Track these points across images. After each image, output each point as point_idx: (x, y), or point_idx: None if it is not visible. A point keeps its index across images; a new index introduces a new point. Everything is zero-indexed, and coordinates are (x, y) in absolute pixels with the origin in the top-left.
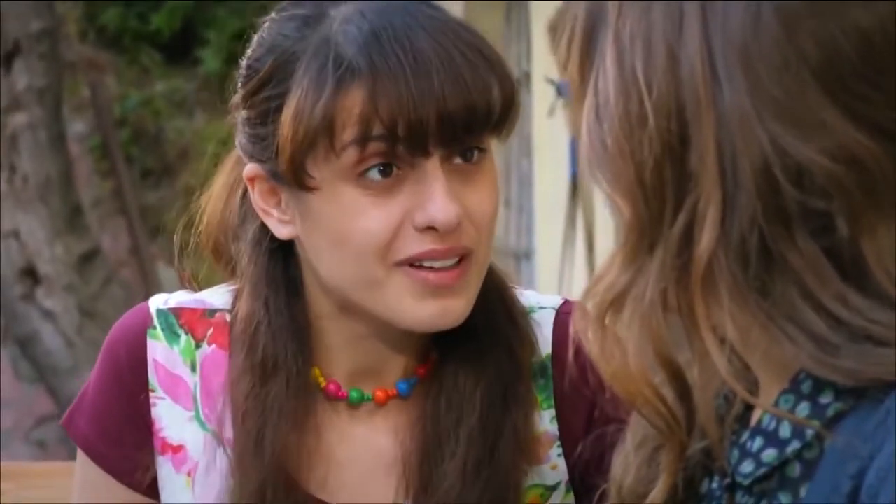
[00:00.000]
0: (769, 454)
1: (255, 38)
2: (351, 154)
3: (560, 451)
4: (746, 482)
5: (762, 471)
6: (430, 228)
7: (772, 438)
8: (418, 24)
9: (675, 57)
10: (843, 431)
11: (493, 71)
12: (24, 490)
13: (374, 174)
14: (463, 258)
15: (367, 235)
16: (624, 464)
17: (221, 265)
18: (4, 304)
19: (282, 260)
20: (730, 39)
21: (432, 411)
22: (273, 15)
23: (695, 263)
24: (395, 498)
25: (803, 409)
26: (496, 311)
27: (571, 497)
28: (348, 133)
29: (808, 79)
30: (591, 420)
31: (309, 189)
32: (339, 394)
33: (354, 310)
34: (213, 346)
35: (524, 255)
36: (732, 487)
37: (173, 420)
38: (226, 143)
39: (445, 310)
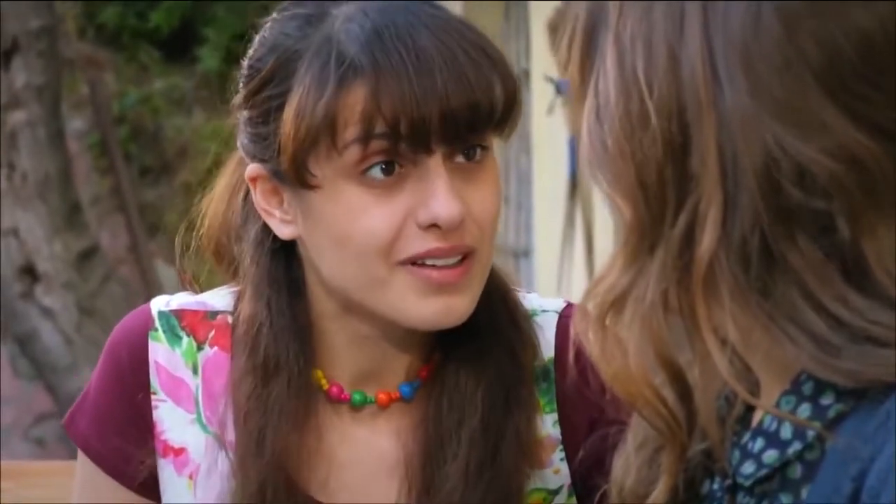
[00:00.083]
0: (770, 455)
1: (257, 38)
2: (353, 152)
3: (562, 455)
4: (747, 483)
5: (763, 472)
6: (434, 226)
7: (773, 439)
8: (421, 22)
9: (676, 58)
10: (844, 433)
11: (496, 69)
12: (23, 489)
13: (377, 172)
14: (466, 256)
15: (369, 235)
16: (625, 465)
17: (223, 267)
18: (3, 302)
19: (284, 260)
20: (730, 40)
21: (434, 412)
22: (275, 15)
23: (696, 264)
24: (397, 499)
25: (804, 410)
26: (498, 313)
27: (574, 501)
28: (350, 131)
29: (809, 79)
30: (593, 423)
31: (311, 187)
32: (342, 396)
33: (357, 310)
34: (215, 348)
35: (523, 253)
36: (733, 488)
37: (175, 422)
38: (228, 144)
39: (449, 308)
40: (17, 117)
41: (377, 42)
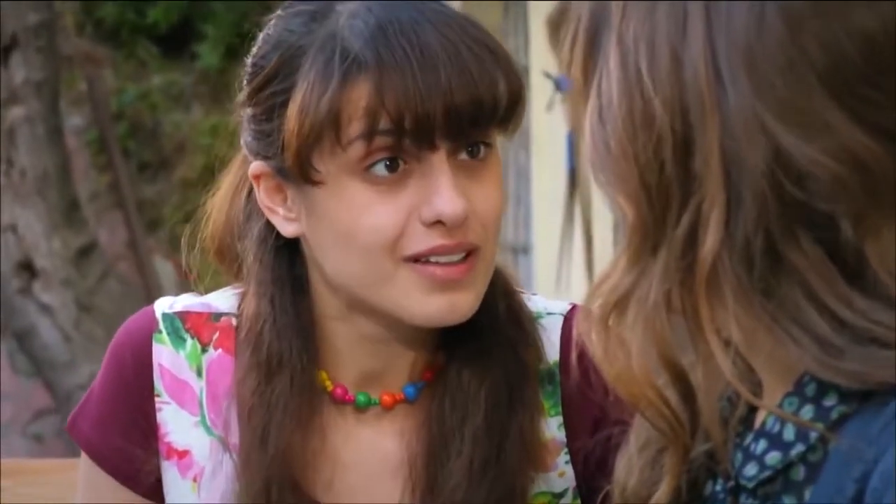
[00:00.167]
0: (773, 457)
1: (261, 35)
2: (357, 148)
3: (567, 458)
4: (750, 485)
5: (766, 474)
6: (438, 223)
7: (776, 441)
8: (425, 18)
9: (679, 58)
10: (848, 434)
11: (500, 65)
12: (22, 487)
13: (381, 169)
14: (470, 254)
15: (373, 232)
16: (627, 466)
17: (226, 265)
18: (2, 298)
19: (287, 258)
20: (733, 41)
21: (437, 412)
22: (279, 12)
23: (699, 265)
24: (402, 499)
25: (807, 411)
26: (502, 313)
27: (579, 503)
28: (354, 127)
29: (812, 80)
30: (596, 425)
31: (314, 184)
32: (346, 398)
33: (361, 308)
34: (220, 350)
35: (522, 250)
36: (736, 490)
37: (179, 425)
38: (230, 142)
39: (453, 304)
40: (15, 113)
41: (381, 38)
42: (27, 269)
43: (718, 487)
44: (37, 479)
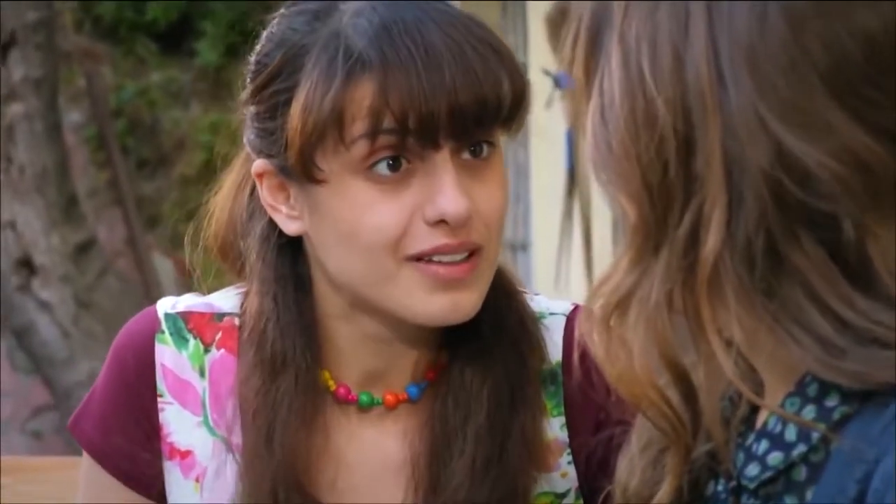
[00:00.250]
0: (775, 457)
1: (264, 34)
2: (361, 147)
3: (570, 458)
4: (752, 485)
5: (768, 474)
6: (441, 223)
7: (777, 441)
8: (429, 17)
9: (681, 58)
10: (849, 435)
11: (504, 65)
12: (21, 485)
13: (383, 168)
14: (473, 253)
15: (376, 231)
16: (629, 466)
17: (229, 264)
18: (1, 295)
19: (290, 256)
20: (736, 40)
21: (440, 411)
22: (282, 10)
23: (700, 265)
24: (404, 499)
25: (809, 411)
26: (505, 313)
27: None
28: (358, 126)
29: (815, 80)
30: (598, 425)
31: (318, 182)
32: (349, 397)
33: (364, 307)
34: (222, 350)
35: (521, 247)
36: (738, 490)
37: (181, 425)
38: (233, 140)
39: (456, 303)
40: (14, 110)
41: (385, 37)
42: (26, 265)
43: (720, 487)
44: (37, 477)
